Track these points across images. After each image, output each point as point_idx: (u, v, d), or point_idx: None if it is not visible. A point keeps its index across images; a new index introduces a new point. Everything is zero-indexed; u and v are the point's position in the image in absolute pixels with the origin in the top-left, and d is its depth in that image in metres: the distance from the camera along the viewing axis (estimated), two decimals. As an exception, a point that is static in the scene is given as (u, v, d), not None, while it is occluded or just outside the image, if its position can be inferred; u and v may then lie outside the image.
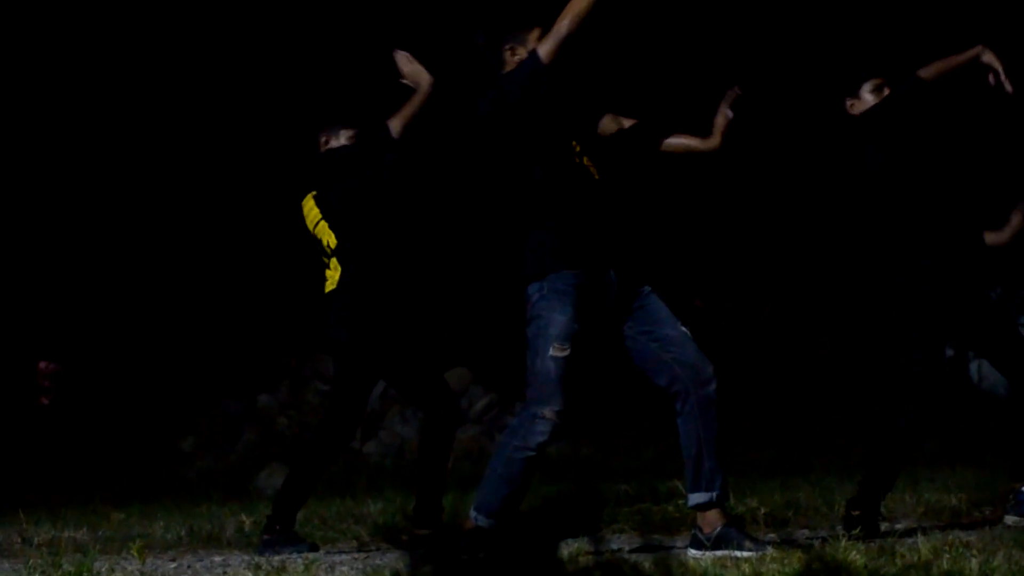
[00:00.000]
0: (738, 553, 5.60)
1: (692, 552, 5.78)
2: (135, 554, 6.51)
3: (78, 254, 15.56)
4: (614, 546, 6.62)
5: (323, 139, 7.29)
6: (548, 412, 5.67)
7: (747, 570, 5.09)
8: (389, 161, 7.06)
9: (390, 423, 13.48)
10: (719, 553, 5.64)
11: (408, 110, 7.03)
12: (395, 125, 6.99)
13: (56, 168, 15.38)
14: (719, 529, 5.78)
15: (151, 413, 14.54)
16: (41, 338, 15.36)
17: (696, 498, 5.81)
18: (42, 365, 15.45)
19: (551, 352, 5.66)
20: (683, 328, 5.80)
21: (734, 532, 5.78)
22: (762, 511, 7.30)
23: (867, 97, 6.71)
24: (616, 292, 5.77)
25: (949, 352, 14.61)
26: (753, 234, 15.46)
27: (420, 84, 7.01)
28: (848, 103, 6.78)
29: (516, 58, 5.84)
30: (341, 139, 7.26)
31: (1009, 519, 6.58)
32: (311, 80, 14.75)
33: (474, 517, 5.79)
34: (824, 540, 5.83)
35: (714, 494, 5.78)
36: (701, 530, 5.81)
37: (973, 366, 14.74)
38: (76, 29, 14.90)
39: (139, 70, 15.19)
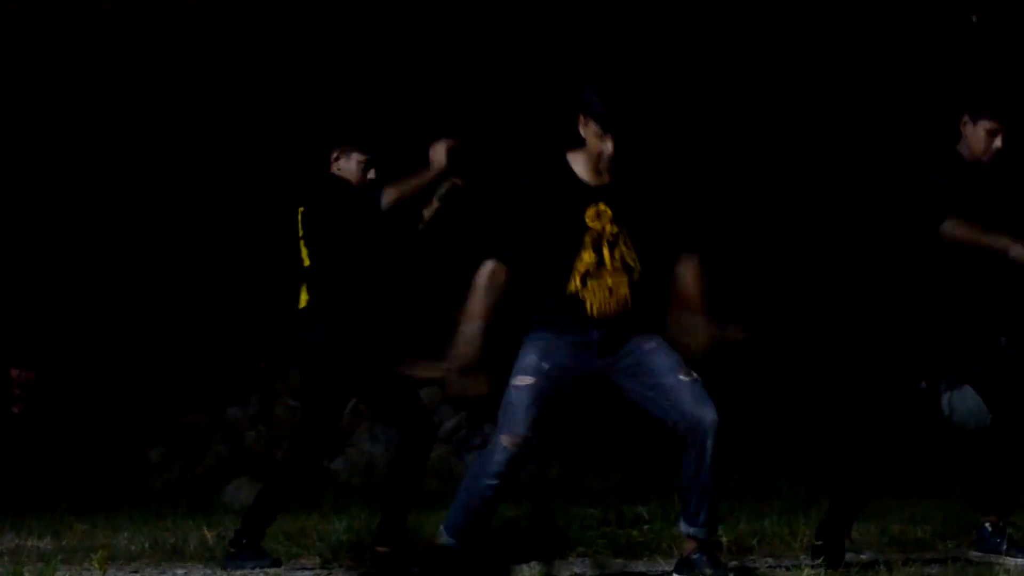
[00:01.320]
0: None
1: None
2: (96, 565, 6.49)
3: (50, 262, 15.51)
4: (576, 570, 6.62)
5: (334, 155, 7.24)
6: (505, 439, 5.67)
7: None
8: (371, 215, 7.00)
9: (358, 440, 13.45)
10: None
11: (406, 187, 6.92)
12: (388, 197, 6.89)
13: (25, 176, 15.34)
14: (687, 555, 5.85)
15: (120, 423, 14.49)
16: (12, 346, 15.30)
17: (681, 526, 5.88)
18: (14, 373, 15.38)
19: (513, 382, 5.70)
20: (684, 377, 5.73)
21: (701, 559, 5.80)
22: (726, 539, 7.30)
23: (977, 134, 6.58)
24: (599, 349, 5.75)
25: (922, 384, 14.62)
26: (729, 260, 15.49)
27: (433, 165, 6.92)
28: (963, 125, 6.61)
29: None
30: (352, 161, 7.20)
31: (973, 554, 6.58)
32: (307, 94, 14.73)
33: (441, 534, 5.82)
34: (788, 569, 5.83)
35: (693, 530, 5.83)
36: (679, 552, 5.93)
37: (944, 398, 14.74)
38: (71, 35, 14.86)
39: (125, 79, 15.15)
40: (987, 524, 6.56)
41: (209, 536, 7.95)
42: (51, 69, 14.91)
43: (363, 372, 6.99)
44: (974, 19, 13.70)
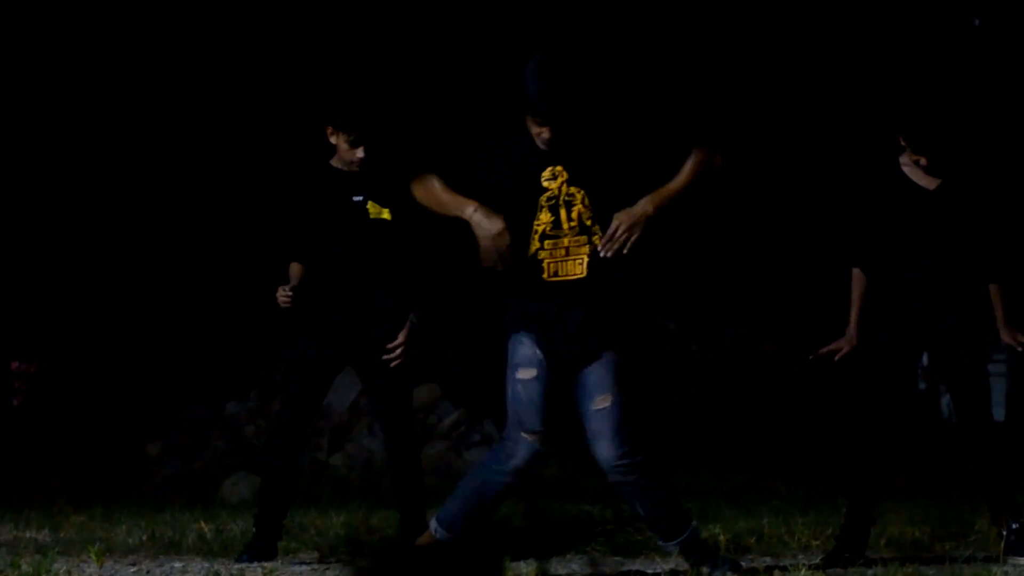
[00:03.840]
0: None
1: None
2: (94, 557, 6.50)
3: (52, 256, 15.52)
4: (574, 568, 6.62)
5: (328, 130, 7.15)
6: (525, 435, 5.70)
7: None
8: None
9: (357, 436, 13.45)
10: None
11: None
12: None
13: (26, 171, 15.34)
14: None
15: (119, 417, 14.50)
16: (13, 339, 15.32)
17: (666, 546, 5.92)
18: (14, 365, 15.41)
19: (516, 375, 5.74)
20: (598, 405, 5.72)
21: (692, 559, 5.85)
22: (723, 538, 7.31)
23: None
24: (560, 328, 5.76)
25: (922, 385, 14.63)
26: (724, 257, 15.48)
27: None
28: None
29: None
30: (340, 141, 7.09)
31: (1012, 560, 6.50)
32: (304, 90, 14.72)
33: (434, 529, 5.81)
34: (785, 569, 5.83)
35: (664, 544, 5.87)
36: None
37: (944, 400, 14.74)
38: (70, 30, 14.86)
39: (125, 77, 15.15)
40: (1015, 525, 6.54)
41: (207, 530, 7.96)
42: (51, 69, 14.91)
43: (339, 359, 6.97)
44: (977, 22, 13.70)
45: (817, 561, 6.25)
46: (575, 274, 5.71)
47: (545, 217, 5.71)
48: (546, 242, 5.72)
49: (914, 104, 6.40)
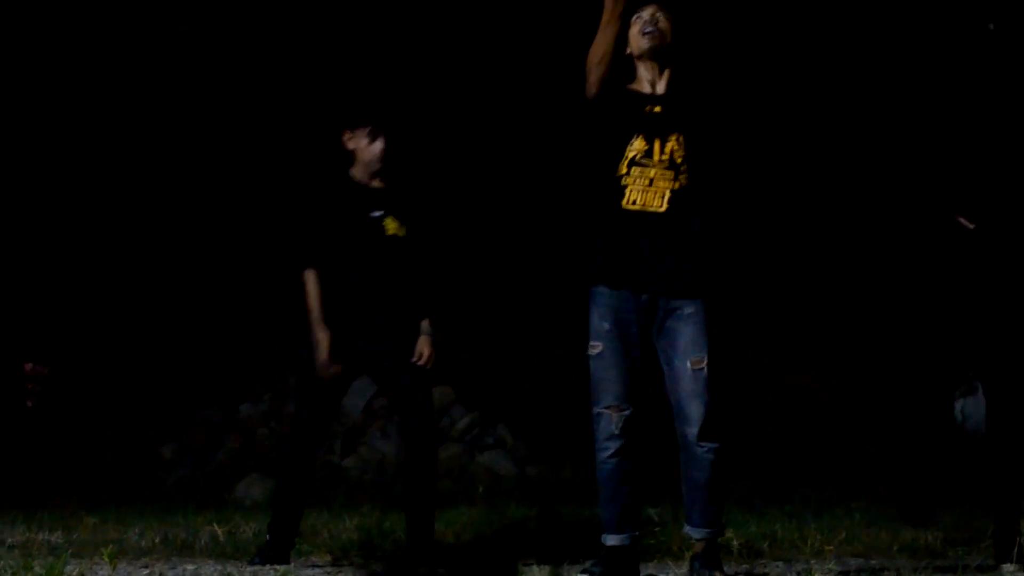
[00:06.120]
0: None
1: None
2: (106, 559, 6.50)
3: (66, 257, 15.54)
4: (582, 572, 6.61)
5: (345, 135, 7.15)
6: (604, 411, 5.75)
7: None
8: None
9: (371, 438, 13.45)
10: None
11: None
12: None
13: (43, 171, 15.37)
14: (691, 558, 5.94)
15: (132, 418, 14.51)
16: (28, 340, 15.35)
17: (684, 527, 5.90)
18: (28, 367, 15.44)
19: (589, 350, 5.78)
20: (691, 364, 5.75)
21: (697, 563, 5.83)
22: (736, 542, 7.30)
23: None
24: (646, 313, 5.78)
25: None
26: (737, 266, 15.49)
27: None
28: None
29: None
30: (362, 142, 7.09)
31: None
32: (309, 89, 14.73)
33: (606, 539, 5.83)
34: (798, 573, 5.82)
35: (691, 530, 5.85)
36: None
37: (957, 406, 14.72)
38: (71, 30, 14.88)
39: (132, 81, 15.17)
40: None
41: (220, 532, 7.96)
42: (58, 73, 14.92)
43: (354, 369, 6.95)
44: (991, 27, 13.65)
45: (831, 566, 6.23)
46: (655, 206, 5.80)
47: (639, 144, 5.85)
48: (634, 168, 5.82)
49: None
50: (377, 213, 7.00)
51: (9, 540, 7.92)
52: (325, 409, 7.01)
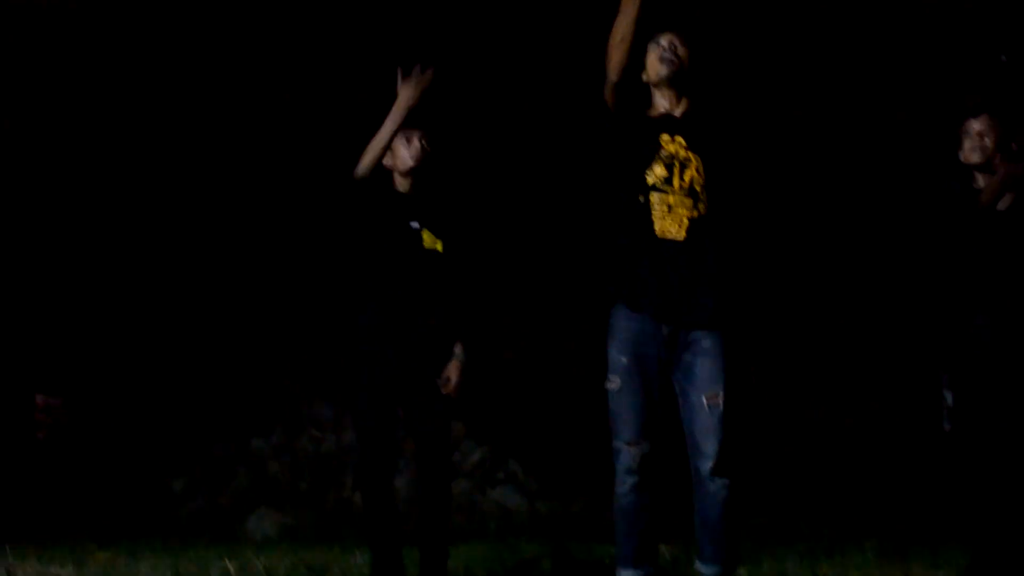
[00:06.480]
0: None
1: None
2: (118, 594, 6.51)
3: (78, 288, 15.56)
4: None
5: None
6: (623, 446, 5.74)
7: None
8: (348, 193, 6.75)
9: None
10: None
11: (377, 141, 6.57)
12: (362, 163, 6.57)
13: (57, 199, 15.37)
14: None
15: (144, 452, 14.51)
16: (39, 371, 15.36)
17: (695, 564, 5.88)
18: (39, 399, 15.44)
19: (607, 383, 5.79)
20: (707, 400, 5.74)
21: None
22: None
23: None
24: (666, 347, 5.78)
25: (947, 425, 14.55)
26: (756, 297, 15.45)
27: (400, 102, 6.56)
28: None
29: None
30: (398, 144, 6.90)
31: None
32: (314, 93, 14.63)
33: (618, 574, 5.83)
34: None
35: (702, 567, 5.84)
36: None
37: (947, 394, 14.67)
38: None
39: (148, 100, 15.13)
40: None
41: (231, 567, 7.95)
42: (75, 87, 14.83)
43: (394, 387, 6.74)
44: (1004, 59, 13.69)
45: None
46: (673, 234, 5.78)
47: (659, 171, 5.84)
48: (653, 194, 5.82)
49: None
50: (415, 225, 6.85)
51: (20, 574, 7.92)
52: (384, 430, 6.76)
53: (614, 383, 5.74)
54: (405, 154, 6.80)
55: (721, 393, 5.72)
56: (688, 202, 5.78)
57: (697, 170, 5.82)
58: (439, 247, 6.81)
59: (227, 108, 15.03)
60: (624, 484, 5.74)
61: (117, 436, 14.85)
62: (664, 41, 5.95)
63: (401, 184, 6.87)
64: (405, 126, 6.67)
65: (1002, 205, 6.69)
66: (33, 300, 15.10)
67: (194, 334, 15.32)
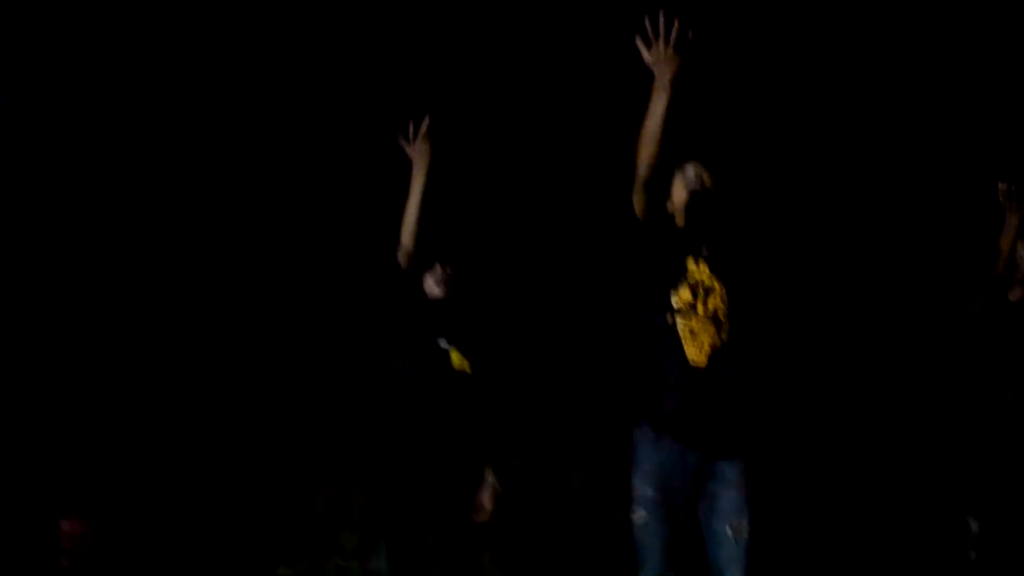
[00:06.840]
0: None
1: None
2: None
3: (107, 416, 15.59)
4: None
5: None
6: (645, 574, 5.77)
7: None
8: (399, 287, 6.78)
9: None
10: None
11: (408, 215, 6.70)
12: (404, 242, 6.68)
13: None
14: None
15: (168, 578, 14.48)
16: (63, 496, 15.34)
17: None
18: (64, 525, 15.42)
19: (632, 515, 5.85)
20: (730, 532, 5.78)
21: None
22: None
23: None
24: (692, 479, 5.80)
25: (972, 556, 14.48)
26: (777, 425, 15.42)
27: (415, 165, 6.63)
28: None
29: None
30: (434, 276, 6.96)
31: None
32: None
33: None
34: None
35: None
36: None
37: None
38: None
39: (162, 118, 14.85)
40: None
41: None
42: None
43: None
44: (1004, 67, 13.66)
45: None
46: (695, 360, 5.79)
47: (685, 295, 5.88)
48: (677, 318, 5.84)
49: None
50: (444, 344, 6.86)
51: None
52: (418, 561, 6.68)
53: (640, 516, 5.75)
54: (431, 282, 6.85)
55: (745, 523, 5.75)
56: (712, 329, 5.86)
57: (721, 298, 5.86)
58: (467, 368, 6.83)
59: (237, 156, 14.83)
60: None
61: (142, 562, 14.83)
62: (691, 171, 6.03)
63: (435, 294, 6.97)
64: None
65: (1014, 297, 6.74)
66: (54, 427, 15.14)
67: (222, 458, 15.33)
